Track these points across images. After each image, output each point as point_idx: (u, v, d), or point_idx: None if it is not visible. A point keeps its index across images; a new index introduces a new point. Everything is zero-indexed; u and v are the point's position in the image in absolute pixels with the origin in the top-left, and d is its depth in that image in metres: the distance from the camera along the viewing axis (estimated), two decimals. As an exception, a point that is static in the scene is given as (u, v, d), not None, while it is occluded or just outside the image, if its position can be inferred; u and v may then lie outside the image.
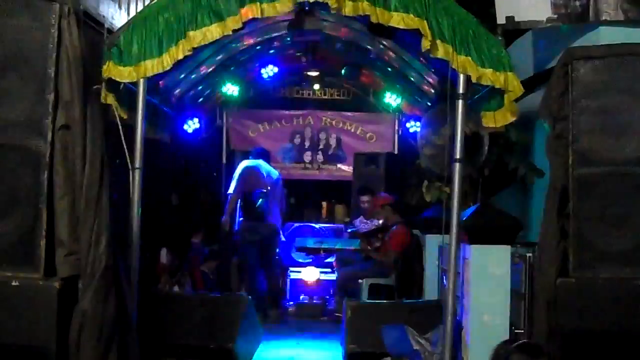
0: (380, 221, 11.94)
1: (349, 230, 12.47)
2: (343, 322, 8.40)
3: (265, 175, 11.73)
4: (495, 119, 7.63)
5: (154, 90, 9.15)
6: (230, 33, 7.22)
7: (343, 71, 12.87)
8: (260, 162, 11.88)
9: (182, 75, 10.16)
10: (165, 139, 10.32)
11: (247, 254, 11.44)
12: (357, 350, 7.96)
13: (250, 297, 8.69)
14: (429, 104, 10.76)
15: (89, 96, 5.66)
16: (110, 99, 7.13)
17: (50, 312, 5.41)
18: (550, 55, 9.04)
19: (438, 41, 6.96)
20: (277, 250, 12.06)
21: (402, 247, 11.02)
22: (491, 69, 6.99)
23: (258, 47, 11.74)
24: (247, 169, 11.69)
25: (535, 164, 10.34)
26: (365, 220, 12.53)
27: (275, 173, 12.05)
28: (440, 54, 6.99)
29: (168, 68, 7.16)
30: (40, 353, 5.39)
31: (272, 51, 12.16)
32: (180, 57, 7.12)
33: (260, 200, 11.30)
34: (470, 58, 7.00)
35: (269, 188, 11.53)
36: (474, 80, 7.11)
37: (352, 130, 14.80)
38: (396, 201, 11.64)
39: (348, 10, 6.96)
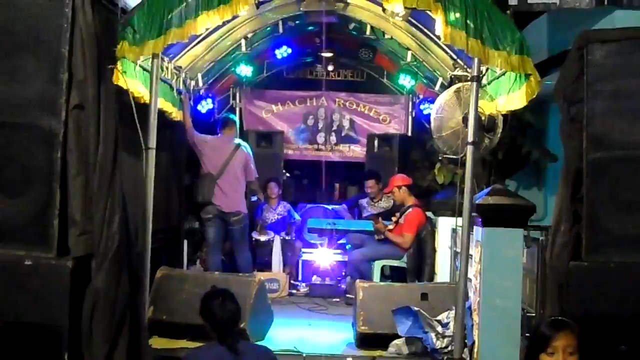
0: (388, 203, 11.94)
1: (364, 217, 12.41)
2: (355, 304, 8.40)
3: (220, 151, 11.09)
4: (508, 102, 7.61)
5: (168, 70, 9.16)
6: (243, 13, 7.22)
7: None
8: (213, 138, 11.28)
9: (196, 56, 10.16)
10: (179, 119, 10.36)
11: (205, 232, 11.35)
12: (368, 332, 7.96)
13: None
14: (443, 86, 10.74)
15: (103, 76, 5.67)
16: (124, 79, 7.14)
17: (63, 291, 5.44)
18: (566, 38, 9.00)
19: (450, 25, 6.92)
20: (241, 233, 11.31)
21: (417, 229, 11.00)
22: (505, 52, 6.95)
23: (272, 28, 11.74)
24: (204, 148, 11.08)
25: (548, 147, 10.33)
26: (372, 202, 12.53)
27: (232, 146, 11.20)
28: (452, 38, 6.94)
29: (181, 47, 7.17)
30: (53, 331, 5.42)
31: (286, 32, 12.14)
32: (193, 34, 7.12)
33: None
34: (483, 41, 6.95)
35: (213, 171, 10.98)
36: (486, 64, 7.08)
37: (366, 111, 14.79)
38: (412, 183, 11.61)
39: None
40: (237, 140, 11.33)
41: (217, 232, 11.02)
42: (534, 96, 7.29)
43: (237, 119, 11.90)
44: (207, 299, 5.65)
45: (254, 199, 12.10)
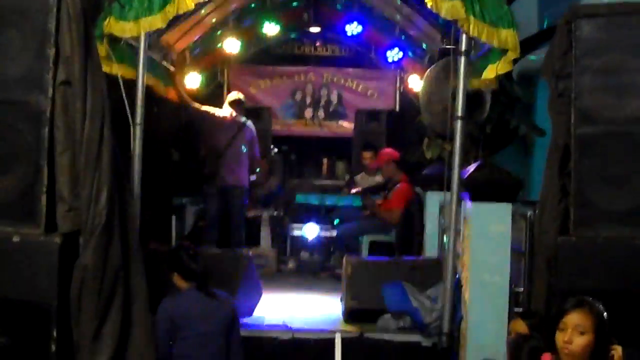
0: (380, 178, 11.94)
1: (353, 192, 12.43)
2: (343, 279, 8.42)
3: (227, 128, 11.40)
4: (487, 73, 7.57)
5: (155, 46, 9.12)
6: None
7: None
8: (220, 112, 11.54)
9: (183, 31, 10.12)
10: (169, 95, 10.34)
11: (207, 206, 11.60)
12: (356, 307, 7.99)
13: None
14: (431, 60, 10.72)
15: (90, 52, 5.63)
16: (111, 55, 7.11)
17: (51, 267, 5.41)
18: (555, 12, 8.99)
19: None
20: (240, 208, 11.60)
21: (405, 204, 11.01)
22: (493, 26, 6.93)
23: (259, 3, 11.70)
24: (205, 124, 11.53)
25: (537, 122, 10.32)
26: (366, 177, 12.53)
27: (239, 120, 11.53)
28: (443, 11, 6.91)
29: (168, 22, 7.14)
30: (41, 308, 5.41)
31: (273, 7, 12.11)
32: (181, 12, 7.08)
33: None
34: (472, 14, 6.93)
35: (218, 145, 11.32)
36: (473, 35, 7.05)
37: (354, 87, 14.80)
38: (400, 158, 11.60)
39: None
40: (243, 119, 11.40)
41: (218, 207, 11.16)
42: (503, 72, 7.30)
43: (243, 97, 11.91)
44: (179, 251, 6.53)
45: (253, 178, 12.14)
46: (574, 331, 4.33)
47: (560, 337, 4.38)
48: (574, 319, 4.36)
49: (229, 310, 6.51)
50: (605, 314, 4.42)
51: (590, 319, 4.36)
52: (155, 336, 6.14)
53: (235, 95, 11.89)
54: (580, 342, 4.33)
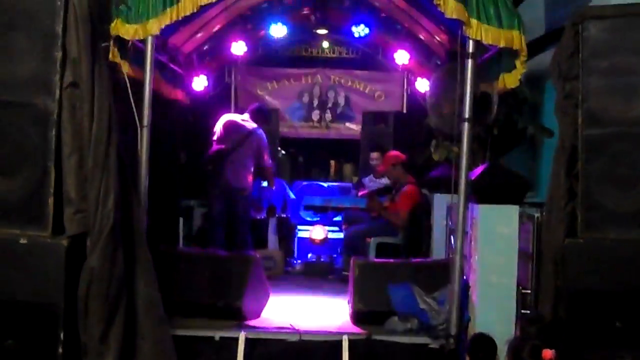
0: (388, 180, 11.93)
1: (360, 195, 12.42)
2: (350, 281, 8.40)
3: (235, 132, 11.37)
4: (505, 81, 7.57)
5: (162, 48, 9.12)
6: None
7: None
8: (233, 117, 11.68)
9: (190, 33, 10.13)
10: (177, 97, 10.34)
11: (210, 207, 11.58)
12: (364, 309, 7.97)
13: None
14: (438, 62, 10.70)
15: (97, 54, 5.64)
16: (118, 57, 7.12)
17: (59, 269, 5.44)
18: (563, 14, 8.98)
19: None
20: (244, 209, 11.64)
21: (412, 206, 11.00)
22: (499, 28, 6.91)
23: (266, 5, 11.70)
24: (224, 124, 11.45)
25: (544, 123, 10.31)
26: (374, 179, 12.53)
27: (247, 127, 11.49)
28: (448, 9, 6.88)
29: (175, 25, 7.14)
30: (48, 311, 5.42)
31: (280, 9, 12.10)
32: (182, 15, 7.09)
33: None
34: (477, 18, 6.91)
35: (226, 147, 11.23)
36: (476, 38, 7.03)
37: (361, 88, 14.77)
38: (407, 160, 11.59)
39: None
40: (255, 126, 11.38)
41: (220, 208, 11.14)
42: (521, 74, 7.29)
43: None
44: None
45: (264, 184, 12.16)
46: None
47: None
48: None
49: None
50: None
51: None
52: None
53: (261, 105, 12.17)
54: None
